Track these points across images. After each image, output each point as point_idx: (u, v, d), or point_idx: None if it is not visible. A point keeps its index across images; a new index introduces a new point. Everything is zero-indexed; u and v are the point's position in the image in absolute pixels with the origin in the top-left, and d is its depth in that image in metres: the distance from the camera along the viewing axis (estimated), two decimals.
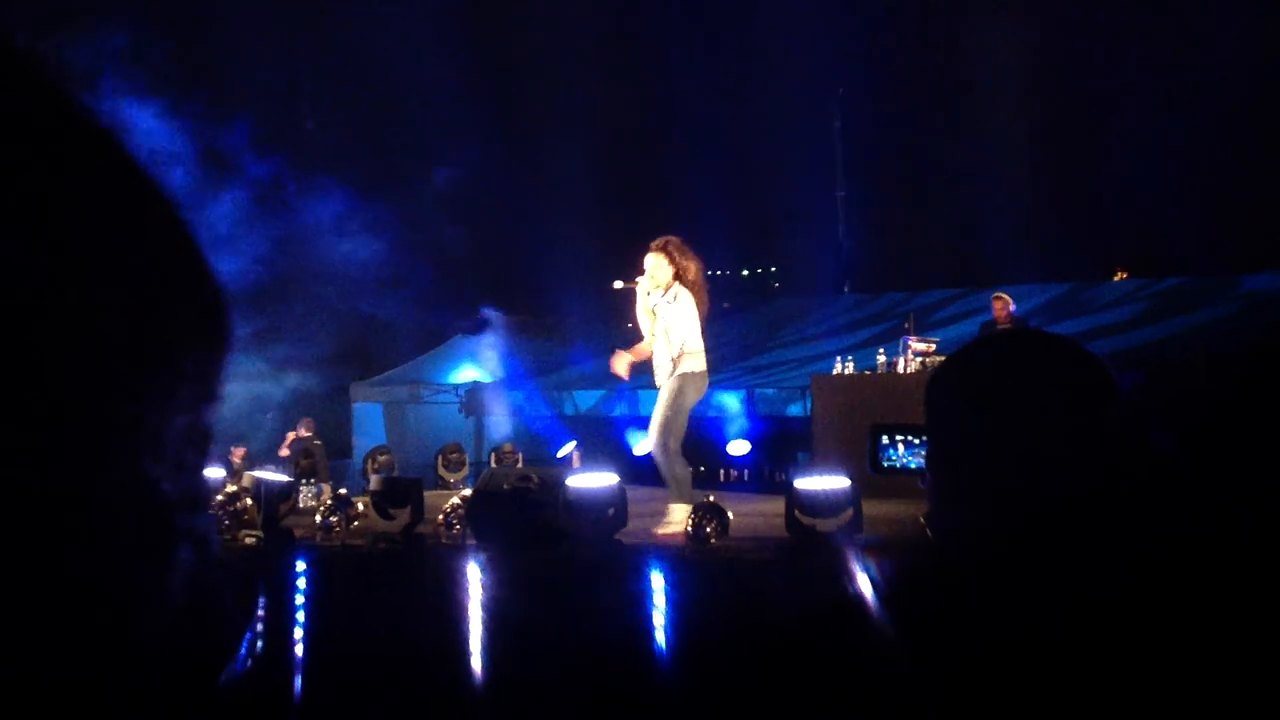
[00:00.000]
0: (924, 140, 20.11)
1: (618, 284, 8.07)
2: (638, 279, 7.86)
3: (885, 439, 1.77)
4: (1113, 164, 18.41)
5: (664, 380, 7.70)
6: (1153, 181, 17.55)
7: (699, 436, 12.66)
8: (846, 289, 18.11)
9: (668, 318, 7.69)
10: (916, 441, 1.74)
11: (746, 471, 12.25)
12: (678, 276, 7.74)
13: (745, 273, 29.91)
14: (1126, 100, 18.29)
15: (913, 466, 1.74)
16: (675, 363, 7.63)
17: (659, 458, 7.47)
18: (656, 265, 7.75)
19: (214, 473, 7.20)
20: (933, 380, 1.57)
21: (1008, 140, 18.17)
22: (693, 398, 7.74)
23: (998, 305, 11.15)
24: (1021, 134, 18.24)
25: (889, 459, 1.77)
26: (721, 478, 11.98)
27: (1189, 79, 18.41)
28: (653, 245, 7.81)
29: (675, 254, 7.76)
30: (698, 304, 7.77)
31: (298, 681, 6.18)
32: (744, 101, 21.18)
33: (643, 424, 12.82)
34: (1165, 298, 13.79)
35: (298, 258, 14.11)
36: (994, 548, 1.48)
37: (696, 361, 7.67)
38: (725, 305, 22.64)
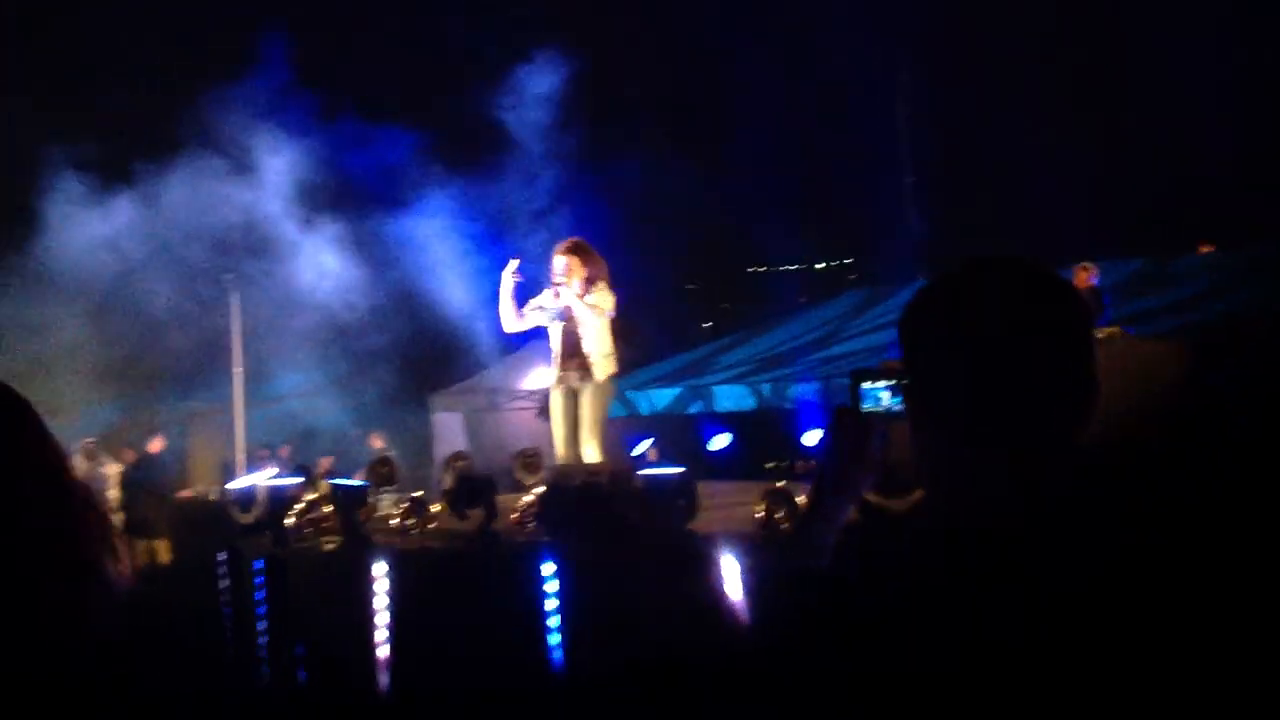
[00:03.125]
0: (992, 119, 19.81)
1: (551, 294, 7.98)
2: (557, 286, 7.85)
3: (867, 384, 1.76)
4: (1191, 132, 17.97)
5: (588, 379, 7.73)
6: (1233, 147, 17.11)
7: (775, 429, 12.63)
8: (921, 275, 17.91)
9: (585, 317, 7.68)
10: (900, 385, 1.73)
11: None
12: (595, 277, 7.77)
13: (820, 266, 29.71)
14: (1201, 68, 17.84)
15: (896, 410, 1.73)
16: (601, 363, 7.66)
17: (596, 460, 7.49)
18: (574, 265, 7.75)
19: (290, 481, 7.36)
20: (906, 313, 1.56)
21: (1080, 113, 17.85)
22: (612, 398, 7.98)
23: (1082, 275, 10.82)
24: (1095, 106, 17.90)
25: (871, 405, 1.76)
26: (797, 469, 11.91)
27: (1264, 39, 17.92)
28: (564, 247, 7.82)
29: (591, 254, 7.81)
30: (612, 305, 7.81)
31: (383, 680, 6.28)
32: (808, 93, 21.06)
33: (718, 423, 12.89)
34: (1247, 267, 13.43)
35: (382, 278, 14.32)
36: (972, 480, 1.46)
37: (613, 362, 7.74)
38: (802, 300, 22.56)
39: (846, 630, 1.47)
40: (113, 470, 14.09)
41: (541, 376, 15.64)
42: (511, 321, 7.97)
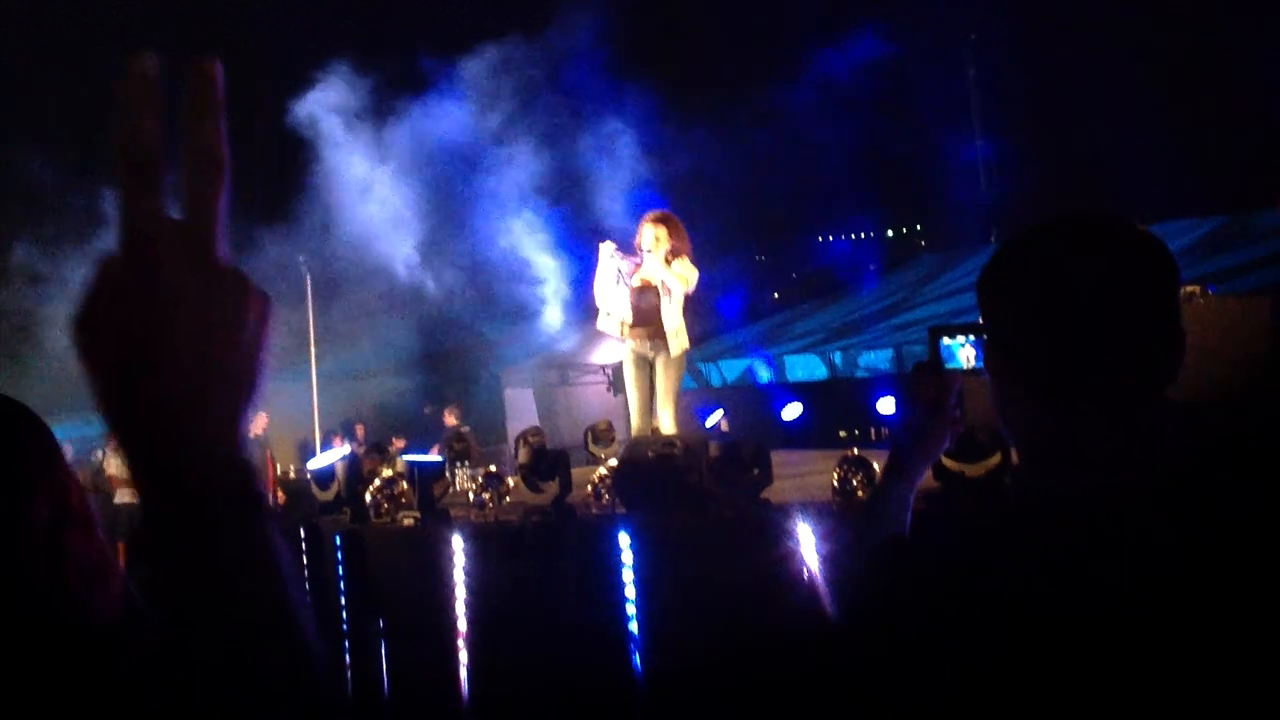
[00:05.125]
0: (1063, 75, 19.42)
1: (630, 263, 7.99)
2: (643, 254, 7.84)
3: (946, 340, 1.73)
4: (1272, 84, 17.44)
5: (662, 351, 7.77)
6: None
7: (847, 398, 12.56)
8: (993, 239, 17.66)
9: (673, 286, 7.68)
10: (981, 344, 1.69)
11: None
12: (680, 250, 7.77)
13: (890, 233, 29.42)
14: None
15: (978, 367, 1.69)
16: (677, 337, 7.68)
17: (670, 430, 7.52)
18: (662, 235, 7.74)
19: (367, 458, 7.46)
20: (985, 273, 1.52)
21: (1155, 66, 17.41)
22: (683, 371, 8.00)
23: None
24: (1170, 57, 17.45)
25: (951, 361, 1.73)
26: (872, 436, 11.83)
27: None
28: (655, 217, 7.81)
29: (678, 227, 7.82)
30: (695, 279, 7.81)
31: (462, 654, 6.36)
32: (876, 58, 20.80)
33: (790, 393, 12.84)
34: None
35: (453, 255, 14.41)
36: (1062, 441, 1.43)
37: (686, 337, 7.77)
38: (871, 268, 22.35)
39: (936, 601, 1.43)
40: None
41: (612, 350, 15.74)
42: (605, 298, 7.98)
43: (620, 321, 7.86)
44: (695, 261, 7.82)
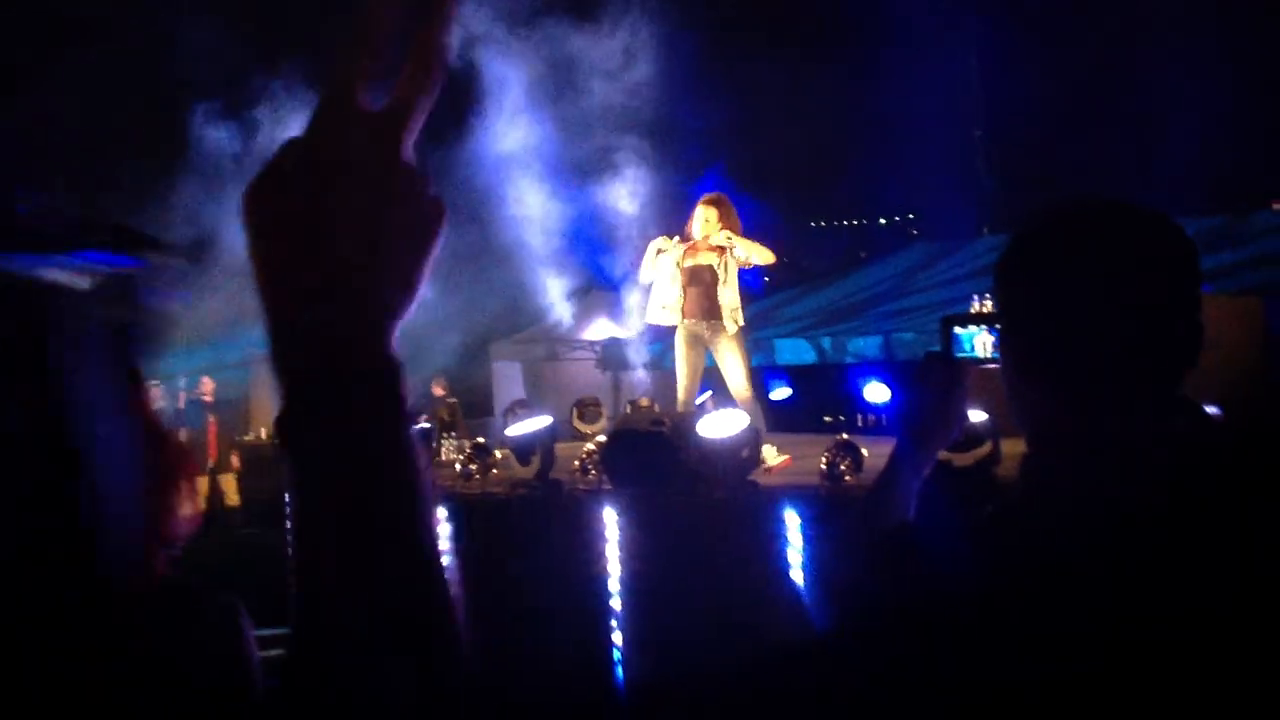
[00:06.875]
0: (1062, 67, 19.40)
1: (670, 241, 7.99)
2: (705, 235, 7.83)
3: (958, 329, 1.70)
4: (1270, 85, 17.45)
5: (719, 331, 7.69)
6: None
7: (836, 383, 12.56)
8: (986, 230, 17.65)
9: (729, 266, 7.66)
10: (997, 332, 1.66)
11: (885, 417, 12.05)
12: (735, 230, 7.77)
13: (882, 221, 29.43)
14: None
15: (992, 357, 1.67)
16: (735, 315, 7.65)
17: (751, 406, 7.49)
18: (716, 217, 7.75)
19: None
20: (1002, 258, 1.49)
21: (1153, 64, 17.40)
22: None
23: None
24: (1168, 55, 17.43)
25: (963, 351, 1.70)
26: (860, 423, 11.85)
27: None
28: (708, 199, 7.82)
29: (732, 210, 7.84)
30: (772, 256, 7.84)
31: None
32: (875, 44, 20.74)
33: (779, 374, 12.82)
34: None
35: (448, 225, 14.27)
36: (1064, 438, 1.40)
37: (742, 314, 7.73)
38: (862, 255, 22.35)
39: (947, 597, 1.40)
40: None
41: (603, 327, 15.68)
42: (649, 274, 7.97)
43: (673, 307, 7.81)
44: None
